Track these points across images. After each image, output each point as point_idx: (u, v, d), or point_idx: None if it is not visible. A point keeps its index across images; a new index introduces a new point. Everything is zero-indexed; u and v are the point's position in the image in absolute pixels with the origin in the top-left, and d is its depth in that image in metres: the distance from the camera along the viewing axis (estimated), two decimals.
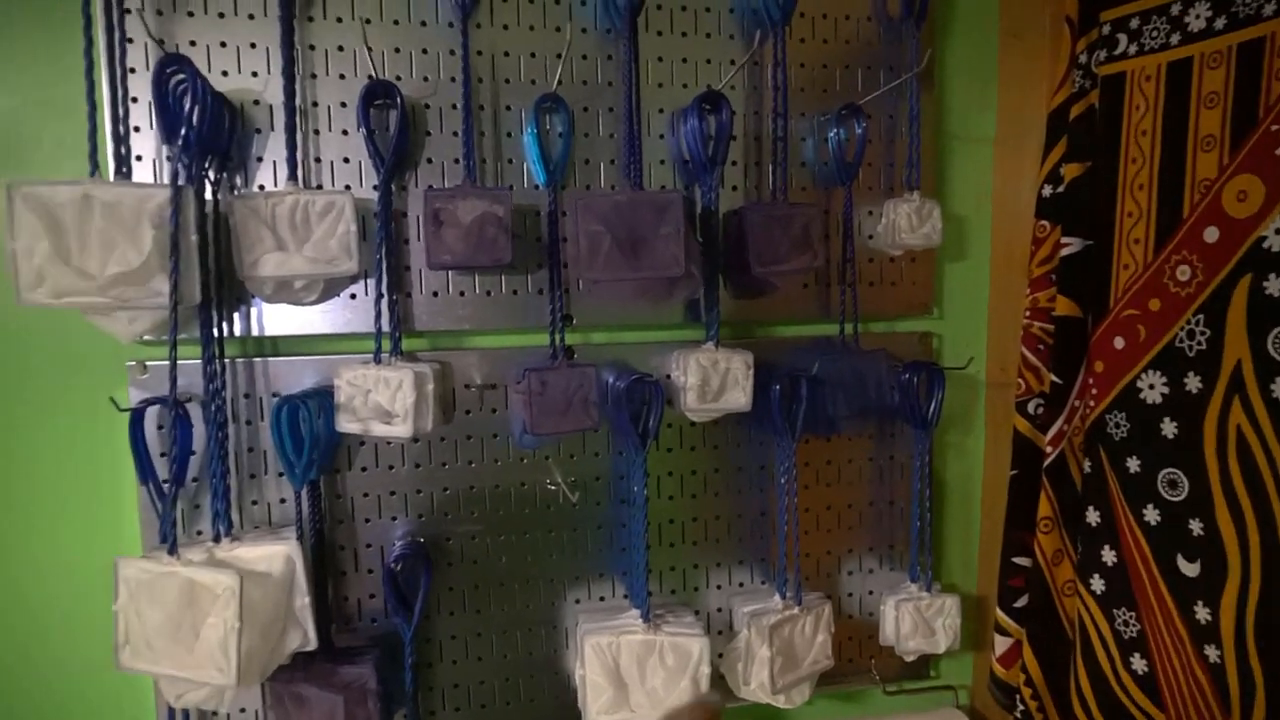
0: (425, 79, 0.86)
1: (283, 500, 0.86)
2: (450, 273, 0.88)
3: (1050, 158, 0.89)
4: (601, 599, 0.96)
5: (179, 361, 0.73)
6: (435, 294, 0.88)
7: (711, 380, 0.87)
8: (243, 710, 0.87)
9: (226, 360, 0.83)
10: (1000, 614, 0.97)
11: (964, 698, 1.08)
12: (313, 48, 0.84)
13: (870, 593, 1.03)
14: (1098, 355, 0.85)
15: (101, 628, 0.78)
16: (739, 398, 0.88)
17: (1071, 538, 0.89)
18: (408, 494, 0.89)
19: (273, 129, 0.83)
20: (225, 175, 0.82)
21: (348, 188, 0.85)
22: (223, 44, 0.82)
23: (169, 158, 0.79)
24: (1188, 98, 0.77)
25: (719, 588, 0.99)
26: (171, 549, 0.75)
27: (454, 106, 0.87)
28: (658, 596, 0.96)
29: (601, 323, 0.93)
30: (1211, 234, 0.75)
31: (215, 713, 0.86)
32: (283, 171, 0.83)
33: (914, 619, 0.98)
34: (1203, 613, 0.77)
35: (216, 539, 0.80)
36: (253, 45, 0.83)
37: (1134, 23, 0.81)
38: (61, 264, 0.69)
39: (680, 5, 0.92)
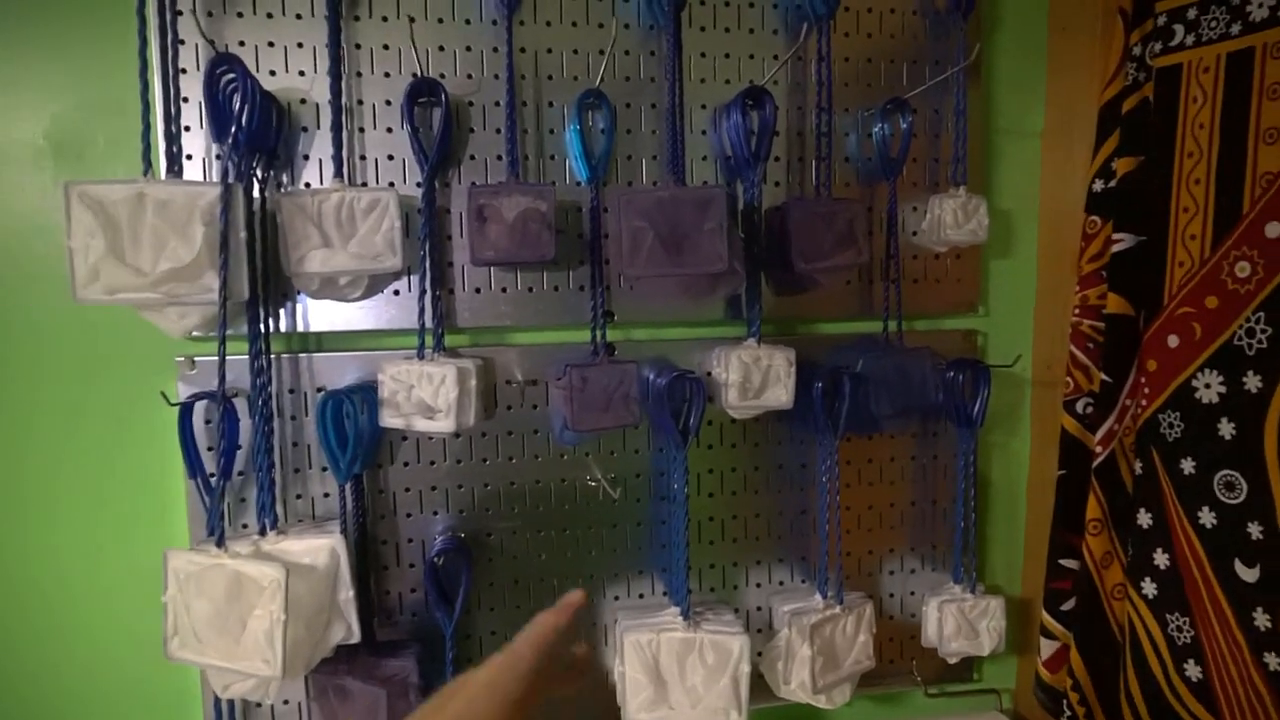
0: (469, 76, 0.87)
1: (326, 494, 0.87)
2: (492, 269, 0.88)
3: (1102, 152, 0.87)
4: (641, 596, 0.95)
5: (226, 357, 0.75)
6: (478, 290, 0.88)
7: (753, 377, 0.87)
8: (286, 702, 0.88)
9: (272, 356, 0.84)
10: (1046, 617, 0.95)
11: (1007, 701, 1.06)
12: (358, 46, 0.85)
13: (912, 593, 1.02)
14: (1150, 354, 0.83)
15: (148, 619, 0.80)
16: (780, 395, 0.88)
17: (1122, 540, 0.87)
18: (449, 489, 0.90)
19: (319, 127, 0.84)
20: (273, 173, 0.83)
21: (392, 185, 0.85)
22: (270, 44, 0.83)
23: (219, 156, 0.81)
24: (1249, 89, 0.74)
25: (759, 586, 0.98)
26: (219, 542, 0.76)
27: (497, 103, 0.87)
28: (697, 594, 0.95)
29: (643, 319, 0.93)
30: (1274, 229, 0.73)
31: (260, 703, 0.87)
32: (329, 169, 0.84)
33: (957, 620, 0.96)
34: (1262, 619, 0.75)
35: (262, 532, 0.81)
36: (300, 45, 0.83)
37: (1191, 13, 0.79)
38: (115, 261, 0.70)
39: (724, 1, 0.91)
